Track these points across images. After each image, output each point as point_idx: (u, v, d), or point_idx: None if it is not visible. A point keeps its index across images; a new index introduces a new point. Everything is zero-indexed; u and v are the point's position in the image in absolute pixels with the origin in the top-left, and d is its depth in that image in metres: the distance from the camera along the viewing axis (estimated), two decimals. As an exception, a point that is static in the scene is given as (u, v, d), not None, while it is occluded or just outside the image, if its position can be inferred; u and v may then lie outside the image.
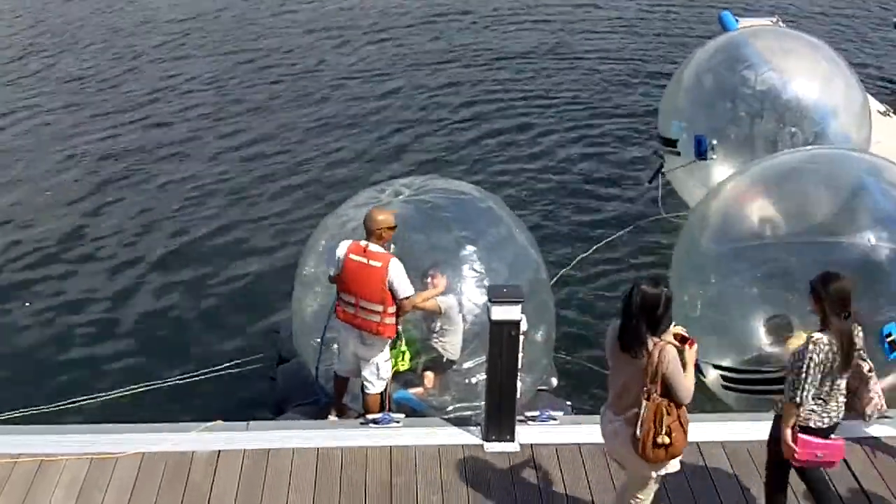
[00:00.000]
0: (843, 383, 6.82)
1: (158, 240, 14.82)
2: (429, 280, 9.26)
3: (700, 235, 10.62)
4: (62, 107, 19.95)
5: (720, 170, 12.66)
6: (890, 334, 9.14)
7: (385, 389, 9.11)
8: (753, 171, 10.96)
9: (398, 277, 8.54)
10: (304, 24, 25.44)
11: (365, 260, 8.60)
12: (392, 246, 9.05)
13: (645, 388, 6.41)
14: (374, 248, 8.63)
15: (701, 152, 12.79)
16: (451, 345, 9.30)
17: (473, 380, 9.26)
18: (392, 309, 8.63)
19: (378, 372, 8.94)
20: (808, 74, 13.21)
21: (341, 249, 8.76)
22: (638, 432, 6.44)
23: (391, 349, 9.06)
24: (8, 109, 19.87)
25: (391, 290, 8.56)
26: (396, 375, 9.33)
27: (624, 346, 6.47)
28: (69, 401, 10.15)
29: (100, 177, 16.84)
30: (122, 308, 13.11)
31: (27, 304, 13.18)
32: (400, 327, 8.97)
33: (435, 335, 9.34)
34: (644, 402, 6.41)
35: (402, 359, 9.18)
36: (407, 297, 8.60)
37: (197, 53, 23.13)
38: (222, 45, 23.71)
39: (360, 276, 8.63)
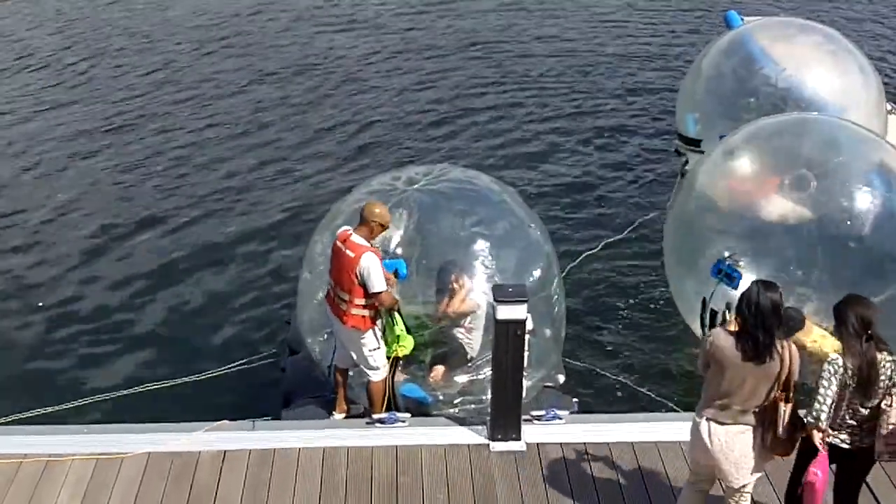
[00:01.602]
0: (862, 409, 6.69)
1: (165, 237, 14.84)
2: (453, 283, 9.26)
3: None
4: (77, 108, 20.00)
5: (746, 165, 12.57)
6: (720, 270, 9.91)
7: (387, 385, 9.13)
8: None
9: (369, 271, 8.52)
10: (317, 19, 25.56)
11: (343, 248, 8.68)
12: (400, 251, 9.09)
13: (781, 392, 6.46)
14: (356, 238, 8.66)
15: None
16: (476, 341, 9.32)
17: (481, 375, 9.24)
18: (360, 300, 8.65)
19: (368, 361, 8.93)
20: (824, 67, 13.16)
21: (335, 235, 8.97)
22: (781, 432, 6.50)
23: (384, 334, 9.02)
24: (30, 111, 19.92)
25: (362, 282, 8.58)
26: (406, 368, 9.35)
27: (755, 355, 6.39)
28: (76, 401, 10.16)
29: (105, 176, 16.86)
30: (128, 308, 13.12)
31: (39, 304, 13.20)
32: (396, 313, 8.95)
33: (462, 329, 9.34)
34: (782, 405, 6.47)
35: (399, 343, 8.99)
36: (378, 293, 8.57)
37: (208, 51, 23.17)
38: (237, 44, 23.76)
39: (336, 263, 8.77)
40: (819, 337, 9.37)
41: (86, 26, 25.16)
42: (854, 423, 6.72)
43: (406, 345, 9.04)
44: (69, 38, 24.32)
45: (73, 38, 24.24)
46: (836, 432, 6.75)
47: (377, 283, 8.56)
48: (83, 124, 19.04)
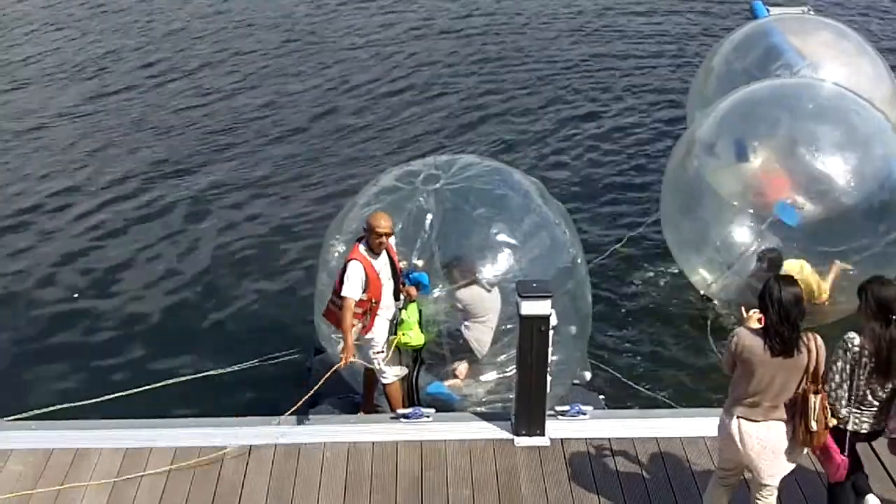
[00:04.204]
0: (882, 392, 6.75)
1: (192, 234, 14.89)
2: (453, 271, 9.24)
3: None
4: (93, 105, 20.09)
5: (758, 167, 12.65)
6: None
7: (408, 383, 9.18)
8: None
9: (347, 274, 8.62)
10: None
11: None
12: (421, 263, 9.12)
13: (809, 384, 6.47)
14: (361, 245, 8.77)
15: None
16: (479, 340, 9.26)
17: (507, 371, 9.22)
18: (335, 298, 8.77)
19: (374, 363, 8.99)
20: (837, 64, 13.14)
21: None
22: (813, 425, 6.50)
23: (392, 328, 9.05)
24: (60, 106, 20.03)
25: (340, 279, 8.71)
26: (429, 366, 9.36)
27: (784, 350, 6.38)
28: (103, 396, 10.22)
29: (135, 172, 16.90)
30: (156, 303, 13.18)
31: (75, 295, 13.30)
32: (413, 304, 9.01)
33: (464, 326, 9.29)
34: (812, 397, 6.46)
35: (407, 327, 9.00)
36: (343, 297, 8.63)
37: (229, 47, 23.20)
38: (251, 35, 23.80)
39: None
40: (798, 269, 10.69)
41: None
42: (875, 403, 6.78)
43: (409, 333, 9.00)
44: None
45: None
46: (857, 414, 6.80)
47: (347, 288, 8.60)
48: (103, 126, 19.15)
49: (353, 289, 8.60)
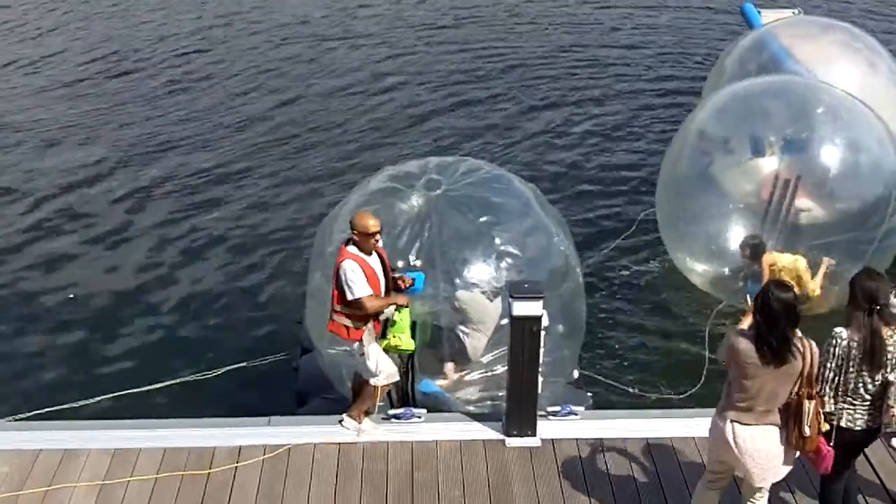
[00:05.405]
0: (872, 385, 6.74)
1: (181, 235, 14.84)
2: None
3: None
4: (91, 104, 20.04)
5: (770, 164, 12.61)
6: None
7: (402, 390, 9.11)
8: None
9: (345, 276, 8.25)
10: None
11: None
12: (419, 263, 9.02)
13: (803, 389, 6.45)
14: (350, 246, 8.43)
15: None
16: (473, 345, 9.27)
17: (497, 369, 9.21)
18: (338, 307, 8.40)
19: (363, 369, 8.70)
20: (849, 66, 13.20)
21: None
22: (807, 430, 6.48)
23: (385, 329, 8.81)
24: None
25: (339, 287, 8.33)
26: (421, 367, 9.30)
27: (774, 358, 6.34)
28: (91, 398, 10.19)
29: (125, 172, 16.87)
30: (144, 305, 13.13)
31: (70, 296, 13.23)
32: (404, 308, 8.74)
33: (462, 329, 9.30)
34: (806, 402, 6.44)
35: (399, 330, 8.66)
36: (357, 298, 8.26)
37: (221, 42, 23.21)
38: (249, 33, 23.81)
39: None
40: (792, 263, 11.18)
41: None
42: (868, 397, 6.77)
43: (401, 336, 8.69)
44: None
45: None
46: (850, 410, 6.79)
47: (355, 288, 8.27)
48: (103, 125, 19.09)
49: (362, 287, 8.26)
